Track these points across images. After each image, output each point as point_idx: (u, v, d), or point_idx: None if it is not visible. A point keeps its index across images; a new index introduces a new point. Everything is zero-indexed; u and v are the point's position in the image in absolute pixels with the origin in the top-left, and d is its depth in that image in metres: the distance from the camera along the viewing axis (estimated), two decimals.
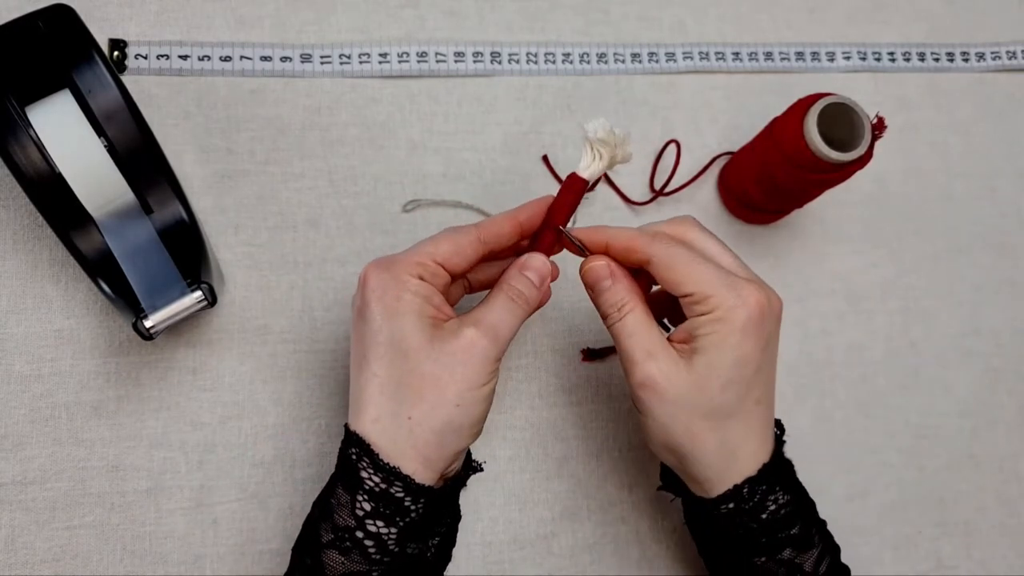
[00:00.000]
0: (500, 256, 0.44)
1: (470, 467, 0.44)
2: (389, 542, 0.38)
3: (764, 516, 0.41)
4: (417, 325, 0.38)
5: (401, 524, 0.38)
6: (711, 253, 0.42)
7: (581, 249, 0.43)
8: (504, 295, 0.41)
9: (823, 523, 0.44)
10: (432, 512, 0.39)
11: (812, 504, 0.43)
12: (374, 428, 0.38)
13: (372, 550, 0.37)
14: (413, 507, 0.38)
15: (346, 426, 0.40)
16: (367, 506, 0.37)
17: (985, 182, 0.64)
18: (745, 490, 0.40)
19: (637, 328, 0.40)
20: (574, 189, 0.43)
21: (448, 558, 0.42)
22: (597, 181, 0.55)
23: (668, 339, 0.41)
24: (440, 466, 0.39)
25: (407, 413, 0.38)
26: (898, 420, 0.58)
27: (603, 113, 0.58)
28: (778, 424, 0.44)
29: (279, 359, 0.50)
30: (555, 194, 0.43)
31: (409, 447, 0.38)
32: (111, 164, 0.39)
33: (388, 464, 0.38)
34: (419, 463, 0.38)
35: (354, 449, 0.38)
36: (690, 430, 0.40)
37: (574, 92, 0.58)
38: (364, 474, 0.38)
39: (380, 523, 0.37)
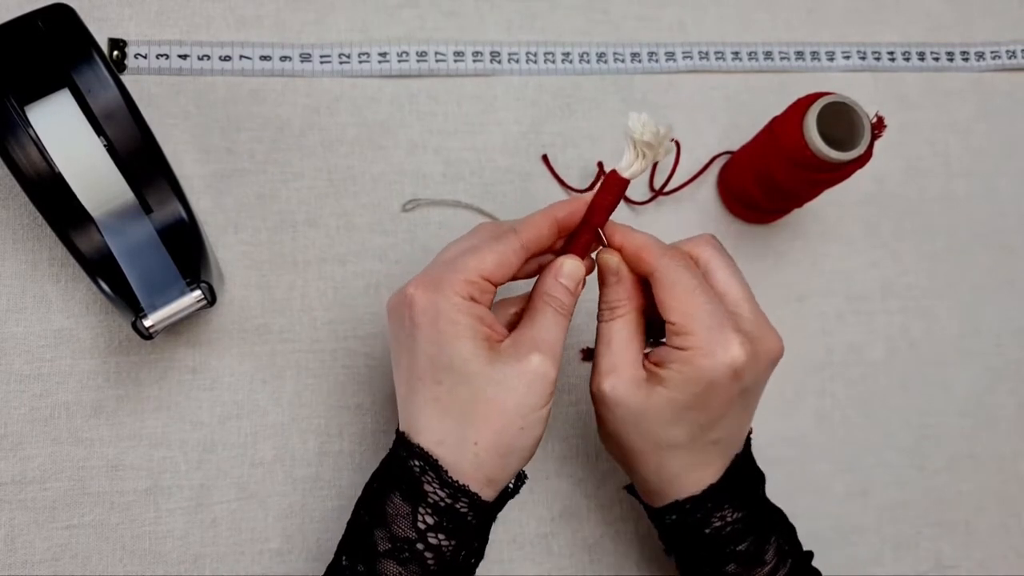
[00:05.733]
0: (537, 254, 0.43)
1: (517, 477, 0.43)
2: (447, 553, 0.38)
3: (707, 531, 0.40)
4: (475, 350, 0.37)
5: (460, 536, 0.38)
6: (718, 279, 0.40)
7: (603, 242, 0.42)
8: (550, 308, 0.40)
9: (790, 534, 0.43)
10: (486, 523, 0.40)
11: (777, 518, 0.43)
12: (438, 449, 0.38)
13: (431, 561, 0.37)
14: (474, 521, 0.38)
15: (402, 434, 0.39)
16: (430, 519, 0.37)
17: (985, 182, 0.64)
18: (687, 506, 0.40)
19: (615, 337, 0.40)
20: (615, 189, 0.41)
21: (482, 555, 0.42)
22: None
23: (646, 355, 0.40)
24: (501, 485, 0.39)
25: (473, 439, 0.37)
26: (898, 420, 0.58)
27: (603, 113, 0.58)
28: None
29: (279, 359, 0.50)
30: (589, 194, 0.42)
31: (474, 469, 0.38)
32: (111, 164, 0.39)
33: (457, 482, 0.38)
34: (483, 483, 0.38)
35: (417, 463, 0.38)
36: (634, 447, 0.40)
37: (574, 92, 0.58)
38: (428, 488, 0.38)
39: (442, 536, 0.38)
